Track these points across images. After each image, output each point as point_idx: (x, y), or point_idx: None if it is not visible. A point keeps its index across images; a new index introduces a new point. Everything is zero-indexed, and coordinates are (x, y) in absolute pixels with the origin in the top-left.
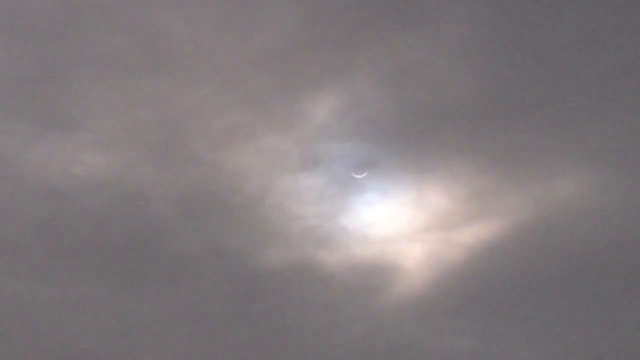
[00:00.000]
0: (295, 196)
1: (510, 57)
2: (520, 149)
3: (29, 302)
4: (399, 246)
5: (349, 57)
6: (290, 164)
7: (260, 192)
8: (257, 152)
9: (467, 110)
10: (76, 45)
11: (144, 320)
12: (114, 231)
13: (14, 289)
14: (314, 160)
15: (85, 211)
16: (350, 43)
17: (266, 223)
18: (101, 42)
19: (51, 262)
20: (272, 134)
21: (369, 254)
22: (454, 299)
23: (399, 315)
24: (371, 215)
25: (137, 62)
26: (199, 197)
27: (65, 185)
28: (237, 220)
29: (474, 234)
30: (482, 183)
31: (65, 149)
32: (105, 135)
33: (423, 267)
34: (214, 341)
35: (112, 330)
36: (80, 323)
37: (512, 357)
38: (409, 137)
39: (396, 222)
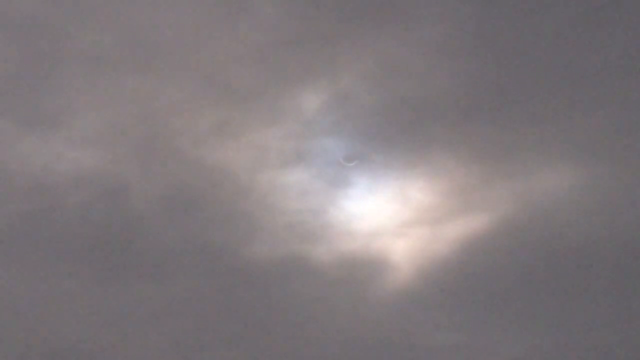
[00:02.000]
0: (279, 191)
1: (492, 53)
2: (502, 145)
3: (12, 295)
4: (383, 241)
5: (332, 55)
6: (274, 159)
7: (245, 188)
8: (241, 148)
9: (449, 106)
10: (60, 43)
11: (129, 313)
12: (99, 226)
13: None
14: (298, 156)
15: (70, 206)
16: (333, 41)
17: (251, 218)
18: (85, 40)
19: (35, 256)
20: (256, 130)
21: (354, 249)
22: (438, 292)
23: (383, 308)
24: (356, 210)
25: (121, 59)
26: (183, 192)
27: (50, 181)
28: (222, 215)
29: (457, 228)
30: (464, 178)
31: (50, 145)
32: (89, 132)
33: (407, 261)
34: (199, 334)
35: (97, 323)
36: (64, 316)
37: (497, 350)
38: (392, 133)
39: (380, 217)
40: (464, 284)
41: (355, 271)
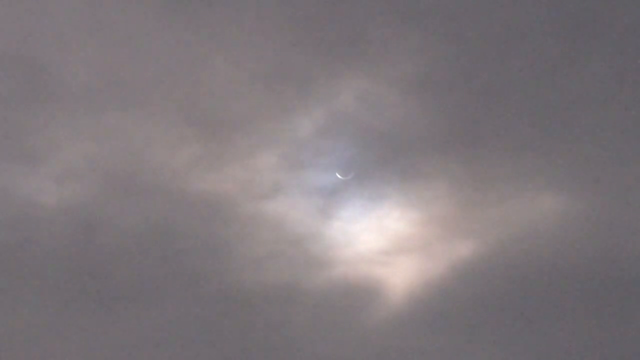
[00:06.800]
0: (259, 222)
1: (466, 85)
2: (477, 176)
3: None
4: (361, 269)
5: (308, 90)
6: (253, 191)
7: (226, 218)
8: (220, 181)
9: (425, 139)
10: (42, 80)
11: (113, 343)
12: (81, 258)
13: None
14: (275, 188)
15: (52, 238)
16: (308, 77)
17: (230, 249)
18: (67, 77)
19: (17, 287)
20: (234, 164)
21: (333, 278)
22: (414, 322)
23: (366, 336)
24: (333, 241)
25: (102, 96)
26: (163, 224)
27: (31, 214)
28: (203, 246)
29: (436, 257)
30: (442, 208)
31: (32, 178)
32: (71, 166)
33: (389, 289)
34: None
35: (80, 354)
36: (45, 348)
37: None
38: (369, 165)
39: (361, 247)
40: (438, 314)
41: (336, 299)
